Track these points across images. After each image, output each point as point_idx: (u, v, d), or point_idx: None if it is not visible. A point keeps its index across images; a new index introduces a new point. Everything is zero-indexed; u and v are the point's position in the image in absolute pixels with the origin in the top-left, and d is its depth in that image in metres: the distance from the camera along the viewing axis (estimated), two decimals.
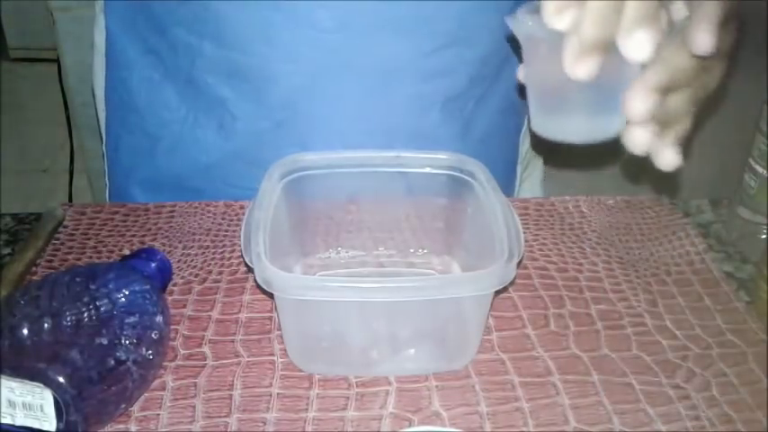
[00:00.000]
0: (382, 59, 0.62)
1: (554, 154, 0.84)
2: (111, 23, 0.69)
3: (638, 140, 0.43)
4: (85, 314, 0.43)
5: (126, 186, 0.73)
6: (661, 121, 0.44)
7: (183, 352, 0.49)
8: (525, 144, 0.78)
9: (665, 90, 0.42)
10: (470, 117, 0.68)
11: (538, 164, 0.82)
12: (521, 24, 0.42)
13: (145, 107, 0.69)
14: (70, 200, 1.38)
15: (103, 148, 0.75)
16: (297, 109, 0.64)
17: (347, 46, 0.61)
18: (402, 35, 0.61)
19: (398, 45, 0.61)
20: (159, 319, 0.46)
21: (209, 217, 0.62)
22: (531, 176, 0.82)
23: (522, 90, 0.46)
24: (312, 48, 0.61)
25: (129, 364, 0.43)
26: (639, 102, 0.41)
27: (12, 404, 0.40)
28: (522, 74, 0.45)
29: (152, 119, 0.69)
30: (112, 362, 0.42)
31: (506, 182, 0.77)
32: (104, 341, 0.42)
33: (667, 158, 0.44)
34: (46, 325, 0.42)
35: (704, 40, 0.41)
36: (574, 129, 0.43)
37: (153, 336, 0.45)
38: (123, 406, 0.44)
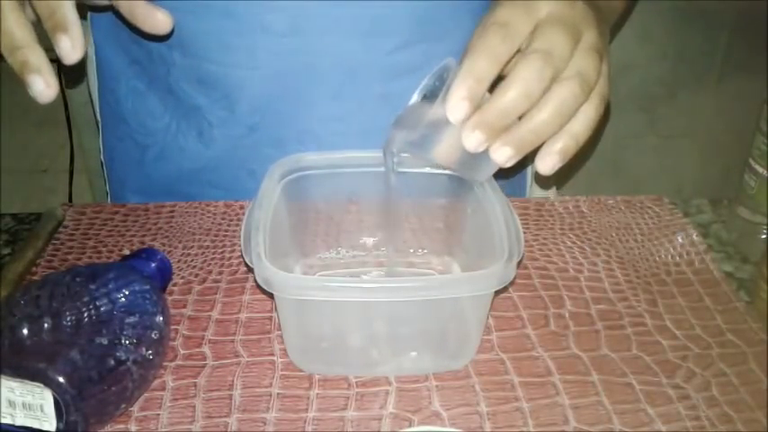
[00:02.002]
0: (343, 60, 0.62)
1: None
2: (98, 36, 0.69)
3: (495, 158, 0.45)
4: (85, 314, 0.43)
5: (122, 195, 0.74)
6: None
7: (182, 352, 0.49)
8: None
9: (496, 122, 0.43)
10: None
11: None
12: (391, 143, 0.48)
13: (132, 116, 0.69)
14: (70, 200, 1.38)
15: (101, 157, 0.76)
16: (266, 113, 0.64)
17: (305, 49, 0.61)
18: (358, 35, 0.61)
19: (356, 45, 0.61)
20: (159, 319, 0.46)
21: (209, 217, 0.62)
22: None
23: None
24: (270, 53, 0.61)
25: (129, 364, 0.43)
26: (470, 136, 0.43)
27: (12, 404, 0.40)
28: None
29: (139, 128, 0.69)
30: (112, 362, 0.42)
31: (517, 182, 0.77)
32: (104, 341, 0.42)
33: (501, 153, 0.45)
34: (46, 325, 0.42)
35: (451, 109, 0.43)
36: (481, 172, 0.48)
37: (153, 336, 0.45)
38: (123, 406, 0.44)
